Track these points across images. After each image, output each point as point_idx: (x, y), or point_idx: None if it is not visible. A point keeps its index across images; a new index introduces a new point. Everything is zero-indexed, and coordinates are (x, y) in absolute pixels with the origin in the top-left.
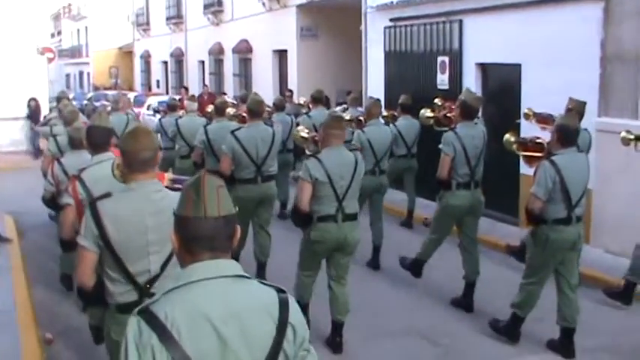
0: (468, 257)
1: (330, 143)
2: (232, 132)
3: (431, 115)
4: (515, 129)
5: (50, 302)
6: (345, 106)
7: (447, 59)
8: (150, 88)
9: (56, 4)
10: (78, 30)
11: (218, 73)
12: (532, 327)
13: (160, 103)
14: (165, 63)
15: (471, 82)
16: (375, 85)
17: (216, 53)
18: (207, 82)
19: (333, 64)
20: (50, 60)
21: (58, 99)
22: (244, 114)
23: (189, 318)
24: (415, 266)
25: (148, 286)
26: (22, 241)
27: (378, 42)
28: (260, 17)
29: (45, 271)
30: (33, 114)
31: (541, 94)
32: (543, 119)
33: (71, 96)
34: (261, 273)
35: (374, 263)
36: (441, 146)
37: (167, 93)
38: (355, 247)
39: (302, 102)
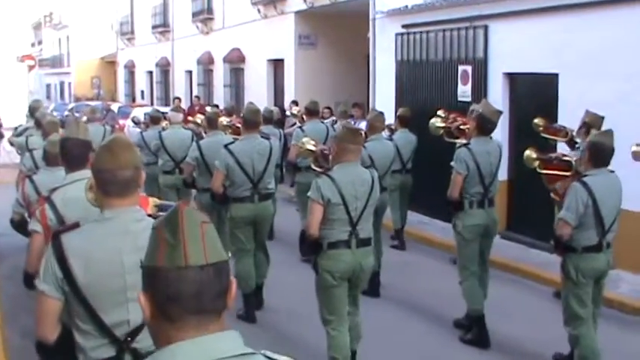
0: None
1: (344, 158)
2: (226, 146)
3: (442, 125)
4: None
5: (25, 346)
6: (333, 118)
7: (469, 68)
8: (134, 99)
9: (37, 13)
10: (59, 39)
11: (207, 84)
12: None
13: (145, 114)
14: (151, 73)
15: (498, 93)
16: (384, 97)
17: (206, 63)
18: (194, 92)
19: (332, 74)
20: (31, 67)
21: (33, 108)
22: (239, 124)
23: None
24: (477, 326)
25: (129, 339)
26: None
27: (388, 50)
28: (254, 25)
29: (21, 306)
30: None
31: (581, 108)
32: (553, 131)
33: (52, 107)
34: (258, 295)
35: (372, 291)
36: (452, 164)
37: (152, 104)
38: (369, 276)
39: (295, 112)
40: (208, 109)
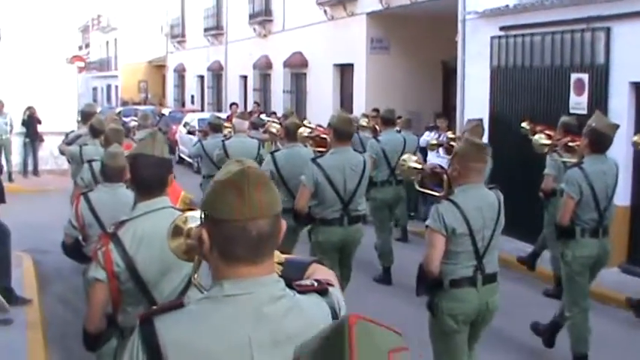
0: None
1: (467, 180)
2: (314, 159)
3: (547, 142)
4: None
5: None
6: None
7: (585, 77)
8: (184, 104)
9: (85, 16)
10: (107, 42)
11: (264, 90)
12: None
13: (200, 120)
14: (202, 77)
15: (622, 105)
16: (475, 108)
17: (263, 67)
18: (250, 98)
19: (406, 81)
20: (80, 70)
21: (86, 114)
22: (324, 135)
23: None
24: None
25: None
26: (43, 294)
27: (482, 55)
28: (319, 27)
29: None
30: (28, 125)
31: None
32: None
33: (98, 110)
34: None
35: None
36: (563, 186)
37: (202, 109)
38: (493, 317)
39: (364, 123)
40: (263, 116)
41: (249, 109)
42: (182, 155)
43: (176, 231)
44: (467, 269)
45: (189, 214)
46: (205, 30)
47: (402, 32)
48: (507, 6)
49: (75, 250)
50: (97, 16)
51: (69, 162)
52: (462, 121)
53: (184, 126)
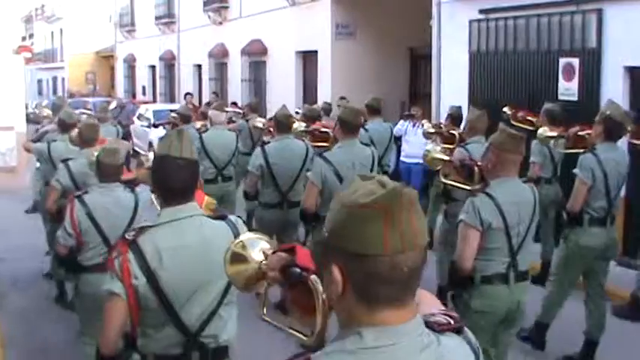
0: (593, 309)
1: (503, 172)
2: (321, 154)
3: (552, 134)
4: None
5: None
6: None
7: (576, 61)
8: (134, 95)
9: (28, 6)
10: (52, 32)
11: (220, 79)
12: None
13: (156, 112)
14: (153, 67)
15: (616, 91)
16: (452, 96)
17: (219, 56)
18: (205, 88)
19: (372, 68)
20: (28, 60)
21: (56, 107)
22: (325, 129)
23: None
24: (537, 334)
25: None
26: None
27: (459, 40)
28: (279, 13)
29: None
30: None
31: None
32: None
33: (44, 103)
34: None
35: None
36: (576, 171)
37: (154, 100)
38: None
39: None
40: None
41: (204, 99)
42: (136, 149)
43: (235, 258)
44: (500, 265)
45: (245, 238)
46: (156, 18)
47: (368, 17)
48: None
49: (71, 261)
50: (41, 6)
51: (38, 161)
52: (437, 109)
53: (138, 118)
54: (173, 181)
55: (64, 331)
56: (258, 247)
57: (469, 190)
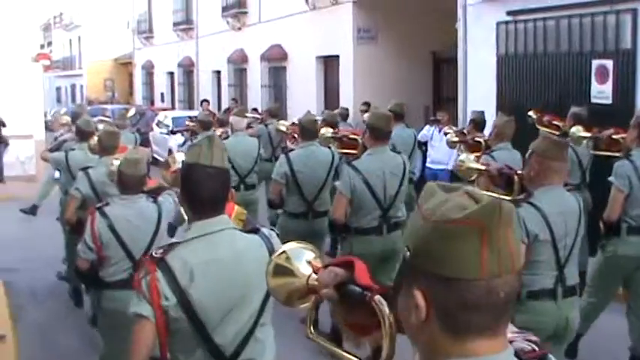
0: (635, 321)
1: (547, 180)
2: (350, 162)
3: (586, 134)
4: None
5: None
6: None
7: (609, 63)
8: (153, 102)
9: (46, 14)
10: (70, 40)
11: (240, 85)
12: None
13: (175, 119)
14: (172, 74)
15: None
16: (479, 100)
17: (238, 62)
18: (224, 94)
19: (394, 72)
20: (46, 68)
21: (76, 114)
22: (354, 136)
23: None
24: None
25: None
26: (18, 324)
27: (486, 43)
28: (300, 17)
29: None
30: None
31: None
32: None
33: (63, 111)
34: None
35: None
36: (611, 179)
37: (173, 107)
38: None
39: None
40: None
41: (223, 105)
42: (156, 156)
43: (279, 270)
44: (548, 280)
45: (288, 249)
46: (175, 24)
47: (389, 21)
48: None
49: (93, 276)
50: (59, 14)
51: (57, 170)
52: (464, 114)
53: (157, 125)
54: (202, 191)
55: (80, 343)
56: (304, 259)
57: (510, 201)
